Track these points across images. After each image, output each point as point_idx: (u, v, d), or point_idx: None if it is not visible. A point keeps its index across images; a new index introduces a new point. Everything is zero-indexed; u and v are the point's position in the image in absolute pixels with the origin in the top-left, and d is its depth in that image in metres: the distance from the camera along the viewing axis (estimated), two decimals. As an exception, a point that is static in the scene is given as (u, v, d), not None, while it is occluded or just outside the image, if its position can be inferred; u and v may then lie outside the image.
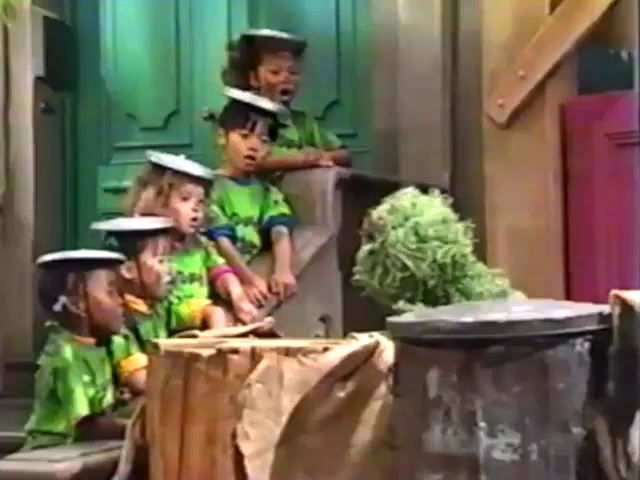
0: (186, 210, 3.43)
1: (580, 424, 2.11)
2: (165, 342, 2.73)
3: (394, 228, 2.66)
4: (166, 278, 3.29)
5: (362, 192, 3.99)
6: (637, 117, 3.35)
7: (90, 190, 4.92)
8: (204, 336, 2.84)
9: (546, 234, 3.48)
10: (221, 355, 2.49)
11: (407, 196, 2.75)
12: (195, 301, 3.41)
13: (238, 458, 2.41)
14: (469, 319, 2.14)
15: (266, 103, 3.80)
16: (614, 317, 2.13)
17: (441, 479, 2.14)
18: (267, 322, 2.95)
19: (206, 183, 3.51)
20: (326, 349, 2.45)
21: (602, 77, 3.59)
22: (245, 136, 3.70)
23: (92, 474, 2.75)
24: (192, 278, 3.47)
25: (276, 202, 3.73)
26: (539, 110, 3.52)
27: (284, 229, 3.69)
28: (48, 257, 3.14)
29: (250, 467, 2.39)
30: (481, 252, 3.63)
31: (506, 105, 3.55)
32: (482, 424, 2.10)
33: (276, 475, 2.39)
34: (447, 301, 2.65)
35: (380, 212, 2.71)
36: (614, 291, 2.16)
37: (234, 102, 3.80)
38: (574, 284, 3.45)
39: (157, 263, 3.25)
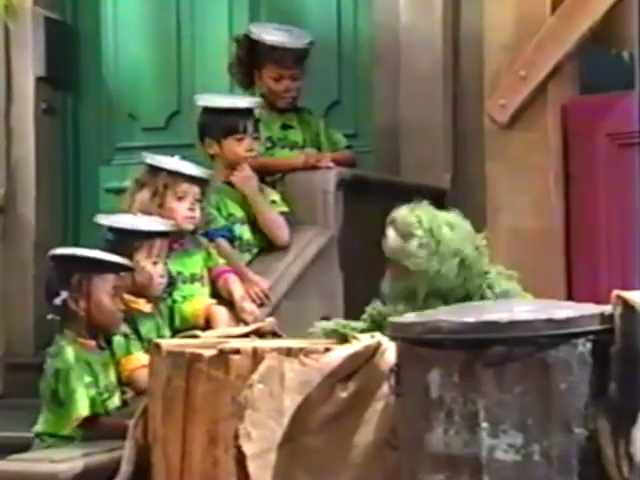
0: (182, 210, 3.44)
1: (582, 424, 2.11)
2: (167, 342, 2.73)
3: (428, 221, 2.69)
4: (159, 280, 3.28)
5: (363, 192, 3.99)
6: (638, 117, 3.35)
7: (91, 190, 4.92)
8: (206, 336, 2.84)
9: (548, 234, 3.48)
10: (223, 355, 2.50)
11: (406, 206, 2.79)
12: (198, 300, 3.41)
13: (240, 458, 2.41)
14: (471, 319, 2.14)
15: (246, 102, 3.82)
16: (616, 317, 2.13)
17: (443, 479, 2.14)
18: (269, 322, 2.95)
19: (202, 182, 3.51)
20: (328, 349, 2.45)
21: (604, 77, 3.59)
22: (240, 140, 3.71)
23: (94, 474, 2.75)
24: (193, 278, 3.47)
25: (274, 202, 3.76)
26: (541, 110, 3.52)
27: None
28: (59, 251, 3.15)
29: (252, 467, 2.39)
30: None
31: (507, 105, 3.55)
32: (484, 424, 2.10)
33: (278, 475, 2.39)
34: (482, 299, 2.68)
35: (404, 213, 2.74)
36: (616, 291, 2.16)
37: (213, 110, 3.80)
38: (576, 284, 3.44)
39: (150, 264, 3.25)
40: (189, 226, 3.47)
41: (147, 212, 3.38)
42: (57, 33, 4.84)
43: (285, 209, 3.77)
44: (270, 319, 3.04)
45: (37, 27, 4.76)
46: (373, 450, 2.38)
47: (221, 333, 2.95)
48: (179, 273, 3.44)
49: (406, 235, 2.68)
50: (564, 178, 3.52)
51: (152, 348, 2.68)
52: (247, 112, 3.76)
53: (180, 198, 3.43)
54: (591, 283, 3.37)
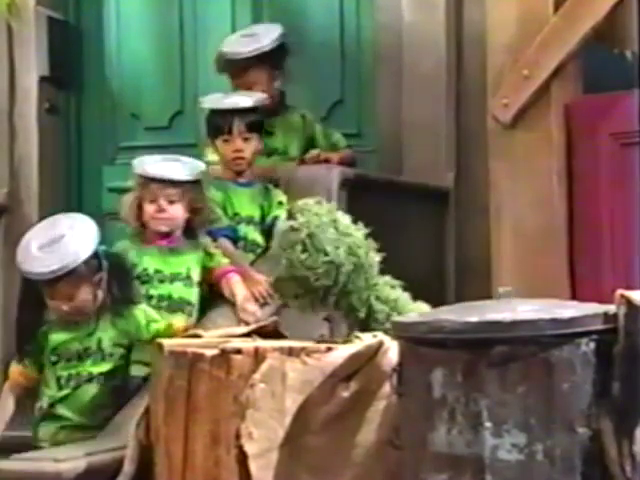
0: (150, 211, 3.41)
1: (585, 424, 2.11)
2: (169, 342, 2.73)
3: (316, 215, 2.73)
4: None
5: (366, 192, 3.99)
6: (638, 117, 3.35)
7: (94, 190, 4.92)
8: (208, 336, 2.84)
9: (551, 233, 3.48)
10: (224, 355, 2.50)
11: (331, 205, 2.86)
12: (175, 322, 3.34)
13: (242, 458, 2.41)
14: (474, 319, 2.14)
15: (230, 101, 3.78)
16: (620, 317, 2.13)
17: (446, 479, 2.14)
18: (271, 322, 2.95)
19: (177, 183, 3.44)
20: (329, 349, 2.45)
21: (607, 77, 3.59)
22: (227, 140, 3.70)
23: (97, 474, 2.75)
24: (173, 278, 3.44)
25: (280, 203, 3.74)
26: (544, 110, 3.52)
27: None
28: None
29: (254, 467, 2.39)
30: (486, 252, 3.64)
31: (511, 105, 3.55)
32: (487, 424, 2.10)
33: (280, 475, 2.39)
34: (372, 317, 2.72)
35: (307, 201, 2.79)
36: (619, 291, 2.15)
37: (209, 111, 3.82)
38: (579, 283, 3.44)
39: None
40: (160, 228, 3.42)
41: (132, 214, 3.42)
42: (60, 33, 4.84)
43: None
44: (272, 318, 3.04)
45: (40, 27, 4.76)
46: (375, 450, 2.38)
47: (223, 333, 2.94)
48: (157, 271, 3.42)
49: (291, 217, 2.74)
50: (567, 177, 3.52)
51: (154, 348, 2.68)
52: (236, 112, 3.72)
53: (152, 200, 3.42)
54: (594, 282, 3.37)
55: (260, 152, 3.81)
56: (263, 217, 3.74)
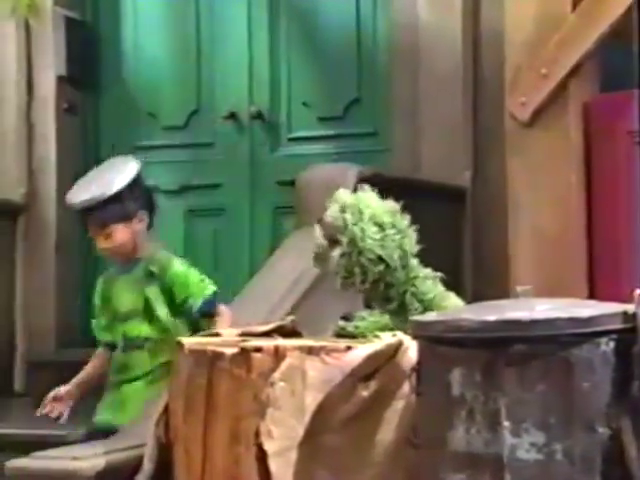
0: None
1: (605, 423, 2.10)
2: (189, 341, 2.74)
3: (354, 224, 2.60)
4: None
5: (383, 191, 3.98)
6: (637, 116, 3.34)
7: (112, 189, 4.93)
8: (228, 334, 2.85)
9: (569, 232, 3.47)
10: (244, 353, 2.50)
11: (345, 194, 2.68)
12: None
13: (261, 456, 2.41)
14: (492, 318, 2.14)
15: (78, 201, 3.32)
16: (638, 316, 2.12)
17: (464, 478, 2.14)
18: (289, 321, 2.95)
19: None
20: (349, 348, 2.45)
21: (625, 75, 3.58)
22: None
23: (116, 472, 2.76)
24: None
25: (188, 297, 3.25)
26: (562, 108, 3.51)
27: (213, 310, 3.28)
28: None
29: (273, 465, 2.39)
30: (503, 251, 3.63)
31: (528, 103, 3.54)
32: (506, 423, 2.10)
33: (299, 473, 2.39)
34: (405, 310, 2.66)
35: (333, 214, 2.64)
36: (638, 290, 2.15)
37: None
38: (598, 282, 3.43)
39: None
40: None
41: None
42: (77, 32, 4.87)
43: (207, 291, 3.28)
44: (291, 317, 3.04)
45: (58, 27, 4.79)
46: (394, 449, 2.37)
47: (242, 331, 2.95)
48: None
49: (331, 240, 2.62)
50: (586, 176, 3.51)
51: (175, 346, 2.69)
52: (85, 211, 3.29)
53: None
54: (613, 281, 3.36)
55: (147, 228, 3.31)
56: (147, 304, 3.26)
